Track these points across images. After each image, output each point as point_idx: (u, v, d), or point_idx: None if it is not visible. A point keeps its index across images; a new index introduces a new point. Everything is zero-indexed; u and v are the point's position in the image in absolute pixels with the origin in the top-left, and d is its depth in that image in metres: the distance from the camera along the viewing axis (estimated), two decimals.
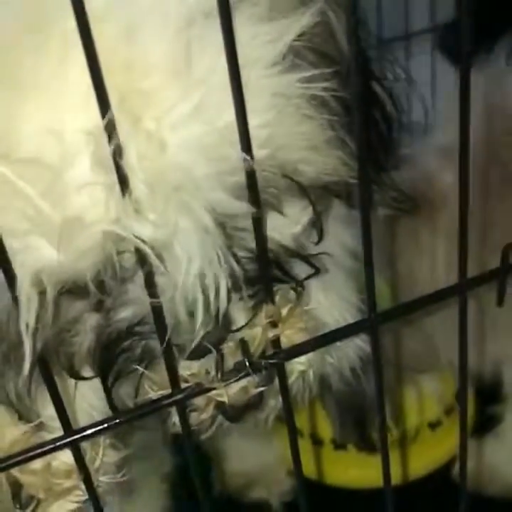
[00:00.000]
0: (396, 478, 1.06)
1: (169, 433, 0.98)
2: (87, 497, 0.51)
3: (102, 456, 0.55)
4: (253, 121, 0.44)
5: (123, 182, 0.40)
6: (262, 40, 0.49)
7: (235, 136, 0.42)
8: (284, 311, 0.52)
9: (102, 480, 0.54)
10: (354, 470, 1.15)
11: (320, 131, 0.54)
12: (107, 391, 0.56)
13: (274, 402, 0.56)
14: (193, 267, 0.48)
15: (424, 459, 1.17)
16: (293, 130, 0.52)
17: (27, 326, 0.47)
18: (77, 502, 0.55)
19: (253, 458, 1.18)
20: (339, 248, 0.66)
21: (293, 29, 0.50)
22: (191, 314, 0.50)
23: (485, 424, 1.15)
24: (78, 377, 0.59)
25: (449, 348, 0.66)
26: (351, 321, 0.61)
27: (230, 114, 0.42)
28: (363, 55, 0.45)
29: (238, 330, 0.51)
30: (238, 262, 0.51)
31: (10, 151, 0.44)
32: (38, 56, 0.45)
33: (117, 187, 0.40)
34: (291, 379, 0.58)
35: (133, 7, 0.46)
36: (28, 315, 0.46)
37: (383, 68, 0.65)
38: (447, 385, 1.13)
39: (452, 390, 1.15)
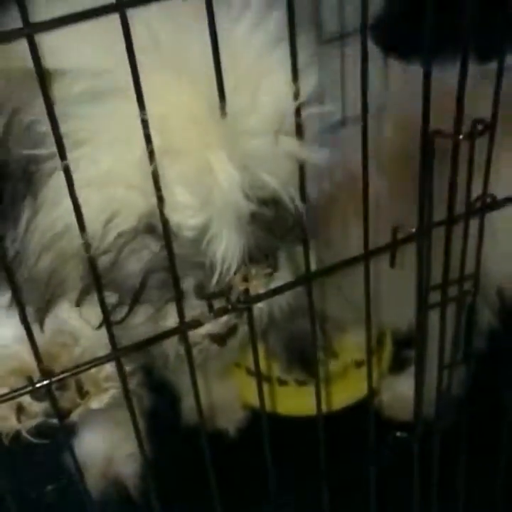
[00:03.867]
0: (327, 406, 1.27)
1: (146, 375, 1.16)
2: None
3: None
4: None
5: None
6: None
7: None
8: (254, 275, 0.70)
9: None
10: (294, 401, 1.32)
11: None
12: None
13: (243, 329, 0.73)
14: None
15: (350, 391, 1.32)
16: None
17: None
18: (110, 397, 0.77)
19: (214, 395, 1.31)
20: None
21: None
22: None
23: (400, 365, 1.35)
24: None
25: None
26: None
27: None
28: None
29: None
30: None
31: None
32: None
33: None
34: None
35: None
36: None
37: None
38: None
39: (374, 336, 1.31)
